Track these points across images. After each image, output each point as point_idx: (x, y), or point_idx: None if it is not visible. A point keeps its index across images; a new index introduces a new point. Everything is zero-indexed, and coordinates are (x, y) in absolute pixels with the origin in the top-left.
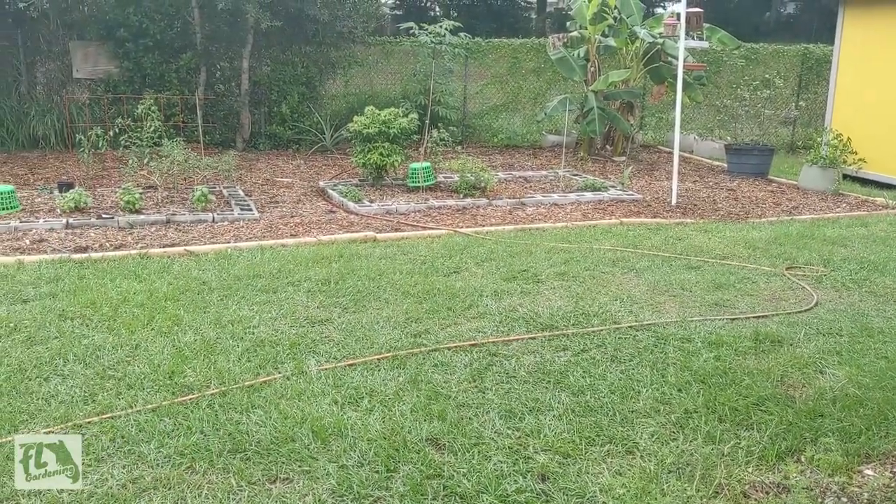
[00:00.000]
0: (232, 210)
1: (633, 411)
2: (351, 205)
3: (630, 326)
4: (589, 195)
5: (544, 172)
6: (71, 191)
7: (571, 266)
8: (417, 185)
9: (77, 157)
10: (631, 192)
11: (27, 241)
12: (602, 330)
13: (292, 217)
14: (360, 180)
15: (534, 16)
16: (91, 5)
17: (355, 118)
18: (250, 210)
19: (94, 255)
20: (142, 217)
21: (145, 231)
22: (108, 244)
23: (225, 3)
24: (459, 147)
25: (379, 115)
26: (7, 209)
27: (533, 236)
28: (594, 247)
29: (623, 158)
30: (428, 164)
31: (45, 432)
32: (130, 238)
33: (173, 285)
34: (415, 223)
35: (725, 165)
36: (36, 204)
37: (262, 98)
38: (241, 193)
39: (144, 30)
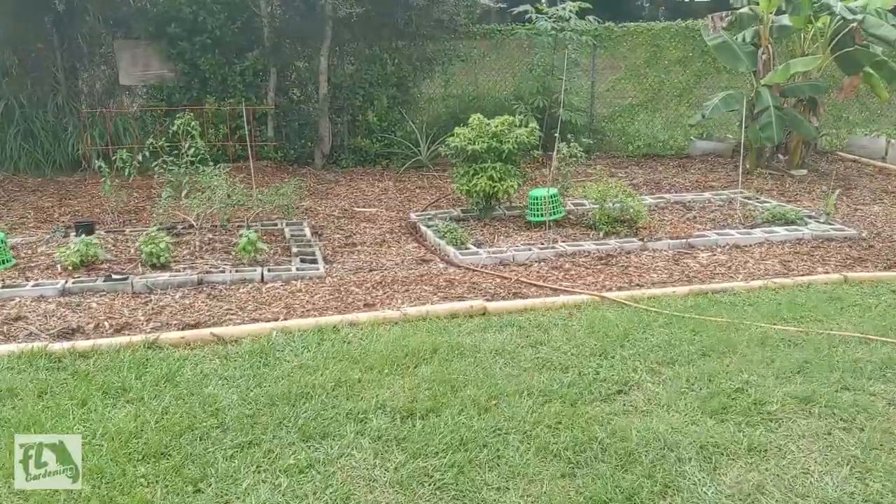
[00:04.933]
0: (290, 261)
1: None
2: (450, 250)
3: None
4: (781, 231)
5: (707, 195)
6: (76, 240)
7: (813, 378)
8: (540, 219)
9: (120, 182)
10: (839, 225)
11: None
12: None
13: (370, 271)
14: (462, 211)
15: (646, 3)
16: None
17: (457, 130)
18: (314, 262)
19: (82, 343)
20: (166, 276)
21: (167, 299)
22: (107, 324)
23: None
24: (586, 158)
25: (488, 125)
26: None
27: (722, 307)
28: (831, 332)
29: (803, 171)
30: (555, 190)
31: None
32: (142, 313)
33: (166, 420)
34: (540, 281)
35: None
36: (36, 255)
37: (345, 104)
38: (307, 233)
39: (200, 24)
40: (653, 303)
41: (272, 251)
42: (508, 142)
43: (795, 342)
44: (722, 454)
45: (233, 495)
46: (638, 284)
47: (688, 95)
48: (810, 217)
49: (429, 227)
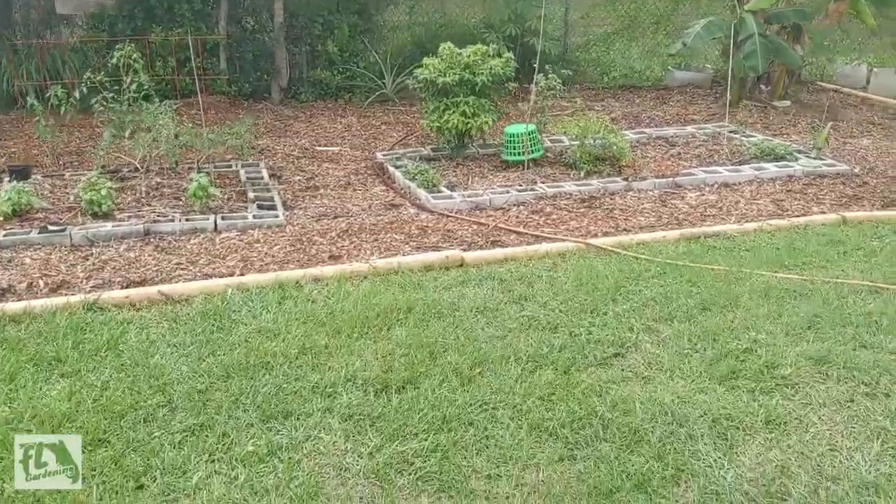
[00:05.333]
0: (246, 208)
1: None
2: (421, 194)
3: None
4: (771, 168)
5: (690, 129)
6: (9, 186)
7: (826, 335)
8: (517, 158)
9: (57, 121)
10: (830, 161)
11: None
12: None
13: (335, 217)
14: (432, 149)
15: None
16: None
17: (426, 61)
18: (273, 208)
19: (12, 306)
20: (109, 227)
21: (109, 252)
22: (42, 282)
23: None
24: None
25: (459, 55)
26: None
27: (717, 253)
28: (837, 280)
29: (787, 103)
30: (533, 126)
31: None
32: (81, 270)
33: (105, 398)
34: (520, 227)
35: None
36: None
37: (302, 33)
38: (265, 175)
39: None
40: (642, 249)
41: (226, 196)
42: (482, 73)
43: (801, 293)
44: (737, 428)
45: (181, 492)
46: (625, 229)
47: (665, 23)
48: (799, 152)
49: (397, 167)
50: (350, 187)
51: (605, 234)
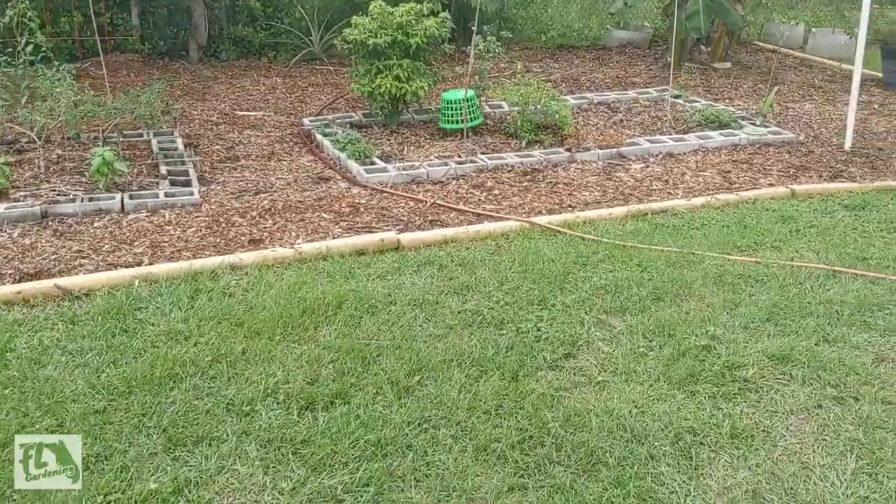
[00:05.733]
0: (158, 184)
1: None
2: (353, 166)
3: None
4: (717, 136)
5: (632, 94)
6: None
7: (787, 329)
8: (456, 126)
9: None
10: (775, 128)
11: None
12: None
13: (257, 193)
14: (364, 115)
15: None
16: None
17: (355, 20)
18: (188, 185)
19: None
20: (1, 209)
21: (1, 238)
22: None
23: None
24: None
25: (392, 14)
26: None
27: (666, 232)
28: (793, 263)
29: (727, 64)
30: (472, 92)
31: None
32: None
33: None
34: (460, 204)
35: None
36: None
37: None
38: (180, 146)
39: None
40: (589, 228)
41: (135, 171)
42: (417, 35)
43: (757, 278)
44: (701, 444)
45: None
46: (570, 206)
47: None
48: (744, 118)
49: (326, 135)
50: (274, 157)
51: (550, 211)
